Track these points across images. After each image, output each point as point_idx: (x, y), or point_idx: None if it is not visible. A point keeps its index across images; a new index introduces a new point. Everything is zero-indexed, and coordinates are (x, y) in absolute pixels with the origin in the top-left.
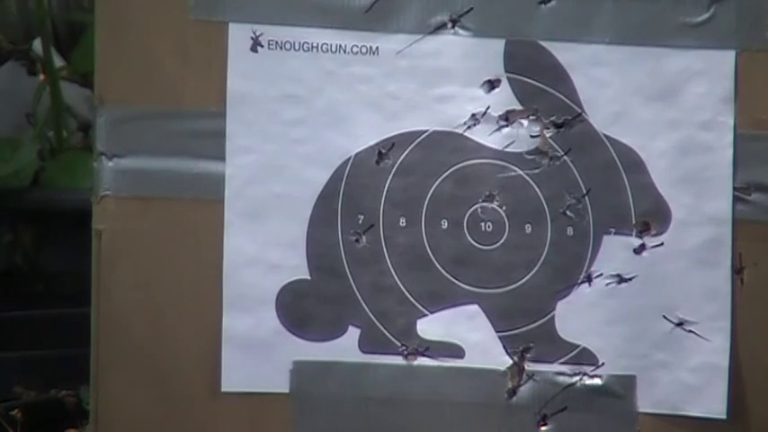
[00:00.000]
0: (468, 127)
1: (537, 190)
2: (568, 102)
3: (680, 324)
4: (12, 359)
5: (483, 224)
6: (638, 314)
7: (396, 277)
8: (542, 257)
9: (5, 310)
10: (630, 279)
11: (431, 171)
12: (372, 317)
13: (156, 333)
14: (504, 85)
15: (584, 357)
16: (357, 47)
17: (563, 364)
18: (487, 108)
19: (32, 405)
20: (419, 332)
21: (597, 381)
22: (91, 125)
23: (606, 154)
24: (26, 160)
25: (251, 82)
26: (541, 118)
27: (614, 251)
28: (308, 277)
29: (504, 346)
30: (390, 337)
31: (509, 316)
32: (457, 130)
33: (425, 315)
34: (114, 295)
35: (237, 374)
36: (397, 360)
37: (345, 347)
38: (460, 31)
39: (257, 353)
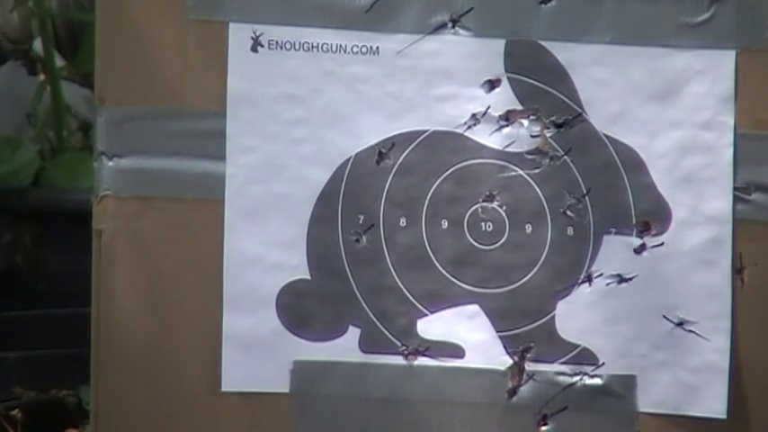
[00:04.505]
0: (469, 127)
1: (537, 190)
2: (569, 102)
3: (680, 324)
4: (12, 359)
5: (483, 224)
6: (639, 314)
7: (396, 277)
8: (542, 257)
9: (5, 310)
10: (631, 279)
11: (431, 171)
12: (372, 317)
13: (156, 333)
14: (505, 84)
15: (585, 357)
16: (357, 47)
17: (563, 363)
18: (488, 108)
19: (32, 405)
20: (419, 332)
21: (597, 381)
22: (91, 125)
23: (606, 154)
24: (26, 160)
25: (251, 82)
26: (542, 118)
27: (614, 251)
28: (309, 277)
29: (504, 346)
30: (390, 337)
31: (509, 316)
32: (457, 130)
33: (426, 315)
34: (114, 295)
35: (237, 374)
36: (398, 360)
37: (345, 347)
38: (461, 31)
39: (257, 353)
